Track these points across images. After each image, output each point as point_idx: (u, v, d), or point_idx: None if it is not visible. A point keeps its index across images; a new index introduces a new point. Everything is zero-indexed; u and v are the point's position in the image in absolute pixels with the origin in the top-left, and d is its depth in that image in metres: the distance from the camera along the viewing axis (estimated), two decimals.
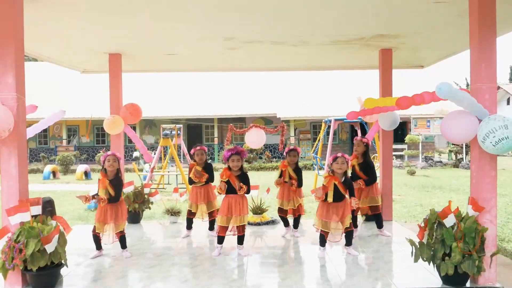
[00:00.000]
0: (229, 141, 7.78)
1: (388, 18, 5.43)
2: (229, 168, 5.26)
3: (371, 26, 5.76)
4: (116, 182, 5.24)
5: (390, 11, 5.12)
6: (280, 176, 6.18)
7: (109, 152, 5.28)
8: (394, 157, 23.74)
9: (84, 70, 8.28)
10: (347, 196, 5.11)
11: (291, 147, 6.23)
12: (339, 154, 5.14)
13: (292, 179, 6.08)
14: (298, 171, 6.18)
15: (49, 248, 4.04)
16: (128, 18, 5.22)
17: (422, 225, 4.28)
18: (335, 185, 5.05)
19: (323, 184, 5.15)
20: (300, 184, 6.13)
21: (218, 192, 5.31)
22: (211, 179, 6.18)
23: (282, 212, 6.29)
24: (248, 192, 5.27)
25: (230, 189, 5.21)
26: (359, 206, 6.09)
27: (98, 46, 6.64)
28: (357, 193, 6.07)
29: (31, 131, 5.97)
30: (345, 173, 5.17)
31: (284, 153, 6.24)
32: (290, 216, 6.36)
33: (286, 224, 6.41)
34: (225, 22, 5.47)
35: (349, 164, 6.22)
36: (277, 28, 5.80)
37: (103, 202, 5.08)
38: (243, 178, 5.28)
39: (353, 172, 6.15)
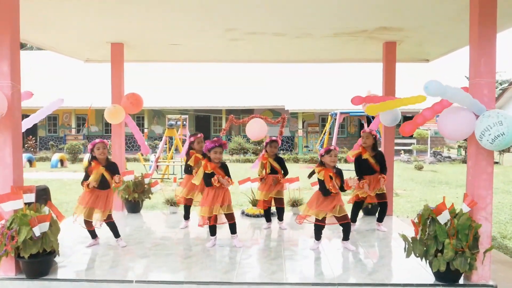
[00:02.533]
0: (226, 130, 7.75)
1: (391, 11, 5.34)
2: (209, 159, 5.23)
3: (374, 18, 5.68)
4: (112, 167, 5.26)
5: (393, 4, 5.03)
6: (262, 169, 6.18)
7: (97, 140, 5.26)
8: (402, 151, 23.59)
9: (87, 59, 8.29)
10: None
11: (272, 138, 6.20)
12: (332, 147, 5.09)
13: (277, 173, 6.08)
14: (279, 160, 6.17)
15: (36, 231, 4.06)
16: (129, 7, 5.19)
17: (416, 221, 4.24)
18: (330, 176, 5.02)
19: (318, 179, 5.10)
20: (285, 173, 6.16)
21: (215, 185, 5.24)
22: None
23: (265, 204, 6.24)
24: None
25: (210, 183, 5.16)
26: (367, 195, 6.04)
27: (100, 35, 6.63)
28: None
29: (30, 121, 6.00)
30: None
31: (264, 144, 6.22)
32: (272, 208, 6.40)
33: (269, 218, 6.40)
34: (226, 12, 5.41)
35: (361, 157, 6.10)
36: (279, 20, 5.74)
37: (90, 186, 5.09)
38: (225, 169, 5.27)
39: (367, 165, 6.00)
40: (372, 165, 6.01)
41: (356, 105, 6.54)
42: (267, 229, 6.29)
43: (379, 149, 6.34)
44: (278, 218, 6.37)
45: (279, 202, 6.24)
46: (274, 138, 6.20)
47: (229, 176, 5.26)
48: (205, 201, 5.23)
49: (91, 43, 7.07)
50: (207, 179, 5.17)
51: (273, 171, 6.14)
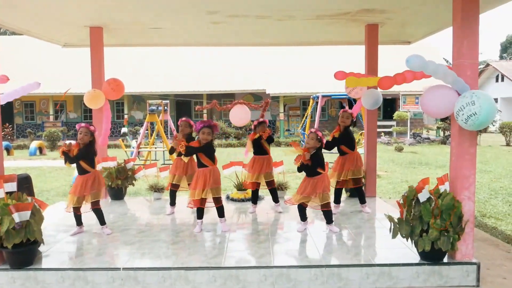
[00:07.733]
0: (202, 109, 7.65)
1: None
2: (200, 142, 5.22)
3: (356, 0, 5.65)
4: (82, 151, 5.12)
5: None
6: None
7: (82, 124, 5.20)
8: (382, 133, 23.86)
9: (65, 44, 8.07)
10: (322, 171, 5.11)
11: (260, 119, 6.21)
12: (313, 130, 5.17)
13: (267, 154, 6.13)
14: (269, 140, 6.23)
15: (16, 217, 3.98)
16: None
17: (402, 202, 4.29)
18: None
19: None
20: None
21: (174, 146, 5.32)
22: None
23: (256, 186, 6.28)
24: (188, 153, 5.25)
25: (200, 163, 5.22)
26: (344, 179, 6.10)
27: (78, 19, 6.44)
28: (340, 165, 6.11)
29: (2, 99, 5.76)
30: (319, 148, 5.16)
31: (252, 126, 6.24)
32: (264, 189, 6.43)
33: (255, 201, 6.44)
34: None
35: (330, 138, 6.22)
36: (261, 2, 5.66)
37: (67, 148, 5.03)
38: (207, 147, 5.20)
39: (333, 141, 6.11)
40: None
41: (339, 79, 6.47)
42: (253, 213, 6.30)
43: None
44: (273, 201, 6.44)
45: (270, 184, 6.28)
46: (261, 119, 6.21)
47: (211, 157, 5.23)
48: (192, 184, 5.27)
49: (69, 27, 6.86)
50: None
51: (263, 152, 6.21)
